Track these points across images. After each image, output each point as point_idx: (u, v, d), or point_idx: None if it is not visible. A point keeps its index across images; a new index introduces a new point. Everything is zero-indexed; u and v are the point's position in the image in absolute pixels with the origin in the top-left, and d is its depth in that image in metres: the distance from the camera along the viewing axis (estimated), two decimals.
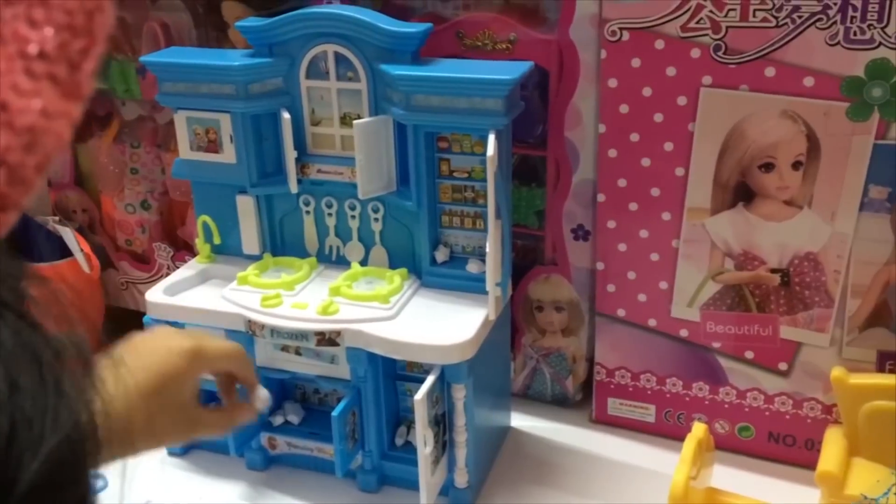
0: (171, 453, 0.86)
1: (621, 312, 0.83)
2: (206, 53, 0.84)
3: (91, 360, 0.31)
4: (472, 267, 0.79)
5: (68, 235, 1.05)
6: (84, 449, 0.28)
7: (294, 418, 0.84)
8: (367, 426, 0.78)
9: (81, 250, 1.06)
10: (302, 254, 0.85)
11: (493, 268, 0.73)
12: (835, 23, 0.66)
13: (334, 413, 0.74)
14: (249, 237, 0.84)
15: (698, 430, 0.68)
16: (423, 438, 0.71)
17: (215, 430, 0.65)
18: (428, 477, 0.73)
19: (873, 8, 0.65)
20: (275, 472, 0.84)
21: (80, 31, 0.29)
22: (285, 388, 0.87)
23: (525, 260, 0.89)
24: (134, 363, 0.58)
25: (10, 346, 0.26)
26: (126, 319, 1.16)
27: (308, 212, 0.83)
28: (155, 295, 0.80)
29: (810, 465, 0.73)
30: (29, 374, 0.27)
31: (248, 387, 0.67)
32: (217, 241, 0.85)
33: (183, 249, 1.06)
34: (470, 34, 0.80)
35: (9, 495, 0.25)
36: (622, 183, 0.78)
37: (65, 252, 1.06)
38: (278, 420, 0.84)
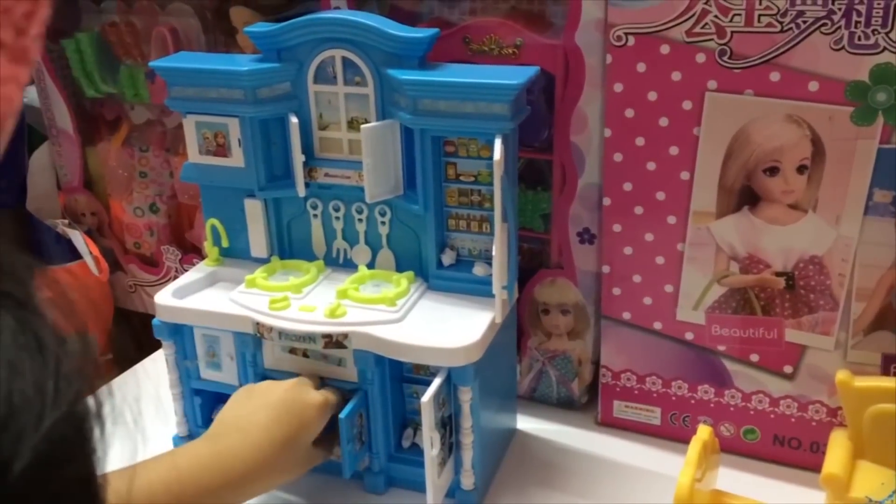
0: None
1: (627, 315, 0.84)
2: (214, 58, 0.84)
3: (94, 351, 0.31)
4: (479, 270, 0.79)
5: (77, 238, 1.06)
6: (86, 426, 0.29)
7: None
8: (374, 428, 0.79)
9: (90, 253, 1.07)
10: (309, 257, 0.85)
11: (499, 271, 0.74)
12: (839, 28, 0.67)
13: (342, 415, 0.75)
14: (257, 240, 0.85)
15: (703, 432, 0.69)
16: (429, 440, 0.72)
17: (319, 461, 0.76)
18: (434, 478, 0.73)
19: (877, 13, 0.65)
20: None
21: None
22: None
23: (531, 263, 0.89)
24: (276, 415, 0.70)
25: (11, 332, 0.27)
26: (134, 322, 1.17)
27: (315, 215, 0.84)
28: (164, 298, 0.81)
29: (815, 467, 0.73)
30: (31, 358, 0.27)
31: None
32: (225, 244, 0.86)
33: (191, 252, 1.07)
34: (476, 39, 0.81)
35: (5, 475, 0.25)
36: (628, 187, 0.79)
37: (74, 255, 1.07)
38: None
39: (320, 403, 0.73)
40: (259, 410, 0.71)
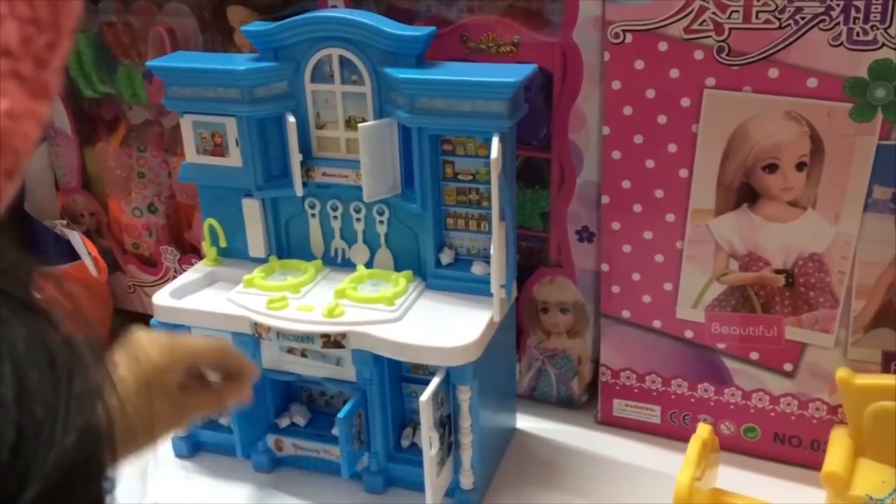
0: (179, 455, 0.87)
1: (626, 314, 0.83)
2: (211, 58, 0.84)
3: (105, 359, 0.30)
4: (477, 269, 0.79)
5: (76, 239, 1.06)
6: (98, 450, 0.28)
7: (300, 420, 0.85)
8: (372, 428, 0.79)
9: (89, 254, 1.07)
10: (308, 256, 0.85)
11: (497, 270, 0.74)
12: (837, 24, 0.67)
13: (340, 415, 0.74)
14: (255, 240, 0.85)
15: (703, 431, 0.69)
16: (428, 440, 0.71)
17: (206, 411, 0.66)
18: (433, 478, 0.73)
19: (876, 9, 0.65)
20: (281, 474, 0.84)
21: (46, 26, 0.27)
22: (291, 390, 0.87)
23: (530, 262, 0.89)
24: (121, 363, 0.60)
25: (23, 347, 0.25)
26: (134, 322, 1.16)
27: (313, 215, 0.84)
28: (162, 298, 0.81)
29: (816, 465, 0.73)
30: (41, 376, 0.26)
31: (245, 374, 0.66)
32: (223, 244, 0.86)
33: (190, 252, 1.07)
34: (474, 37, 0.81)
35: (16, 502, 0.24)
36: (626, 184, 0.79)
37: (72, 255, 1.07)
38: (285, 422, 0.84)
39: (164, 344, 0.63)
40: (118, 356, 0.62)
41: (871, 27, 0.66)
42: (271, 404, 0.84)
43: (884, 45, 0.66)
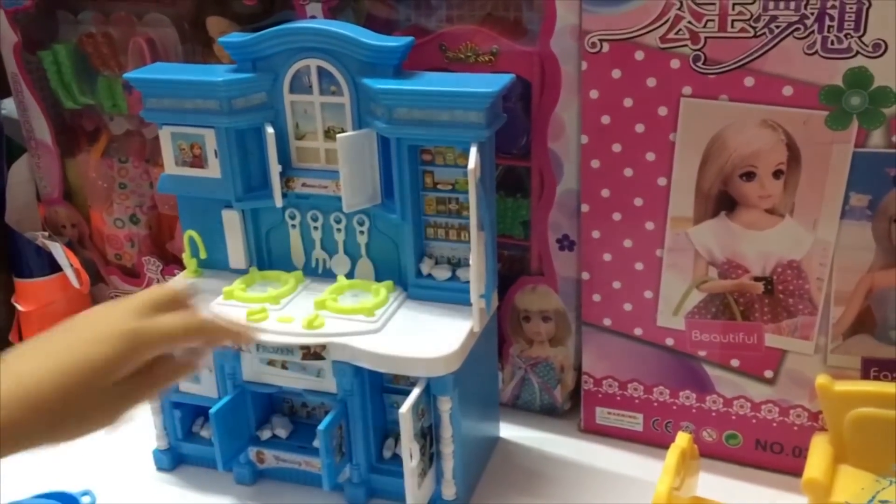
0: (160, 468, 0.86)
1: (607, 322, 0.83)
2: (189, 69, 0.84)
3: None
4: (463, 274, 0.79)
5: (58, 250, 1.06)
6: None
7: (282, 432, 0.84)
8: (354, 439, 0.78)
9: (71, 265, 1.06)
10: (288, 267, 0.85)
11: (476, 280, 0.73)
12: (812, 32, 0.67)
13: (321, 427, 0.74)
14: (235, 251, 0.84)
15: (682, 439, 0.68)
16: (408, 451, 0.71)
17: (142, 399, 0.53)
18: (414, 490, 0.73)
19: (850, 17, 0.65)
20: (263, 486, 0.84)
21: None
22: (273, 402, 0.87)
23: (512, 270, 0.89)
24: (63, 342, 0.51)
25: None
26: None
27: (294, 225, 0.84)
28: None
29: (798, 472, 0.73)
30: None
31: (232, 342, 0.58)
32: (203, 255, 0.86)
33: (172, 263, 1.06)
34: (452, 47, 0.81)
35: None
36: (605, 193, 0.79)
37: (54, 267, 1.07)
38: (266, 434, 0.84)
39: (121, 334, 0.51)
40: (61, 330, 0.53)
41: (846, 35, 0.66)
42: (252, 416, 0.83)
43: (858, 53, 0.66)
